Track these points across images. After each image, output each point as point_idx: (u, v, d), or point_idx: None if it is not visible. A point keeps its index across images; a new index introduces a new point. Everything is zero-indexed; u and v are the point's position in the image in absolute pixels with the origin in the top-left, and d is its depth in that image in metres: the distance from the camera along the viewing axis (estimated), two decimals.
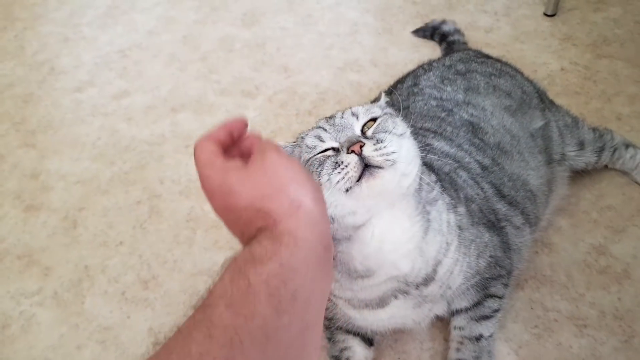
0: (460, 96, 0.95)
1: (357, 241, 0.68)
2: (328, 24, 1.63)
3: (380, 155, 0.61)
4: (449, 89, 0.96)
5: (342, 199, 0.63)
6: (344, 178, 0.61)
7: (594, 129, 1.09)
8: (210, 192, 0.55)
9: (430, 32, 1.46)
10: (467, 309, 0.85)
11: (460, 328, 0.86)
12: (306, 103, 1.37)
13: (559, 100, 1.15)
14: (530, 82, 1.09)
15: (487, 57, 1.11)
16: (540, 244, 1.00)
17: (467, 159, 0.87)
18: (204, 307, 0.45)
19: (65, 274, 1.07)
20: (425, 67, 1.04)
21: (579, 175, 1.09)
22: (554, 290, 0.94)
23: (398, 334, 0.90)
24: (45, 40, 1.69)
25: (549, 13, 1.53)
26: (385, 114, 0.70)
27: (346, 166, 0.61)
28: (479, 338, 0.85)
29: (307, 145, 0.68)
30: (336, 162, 0.62)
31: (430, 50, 1.46)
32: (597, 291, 0.93)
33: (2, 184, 1.26)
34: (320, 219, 0.51)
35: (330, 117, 0.71)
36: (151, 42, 1.63)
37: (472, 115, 0.93)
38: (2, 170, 1.29)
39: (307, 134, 0.71)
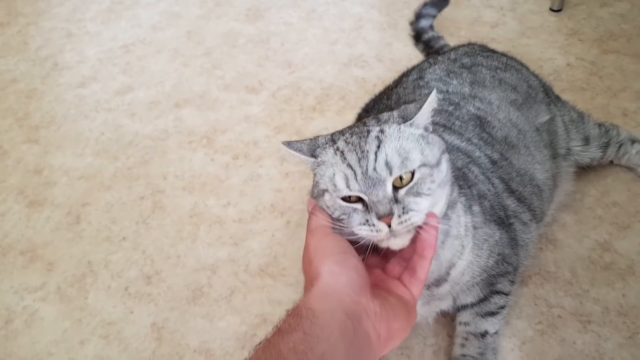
0: (466, 89, 0.95)
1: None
2: (332, 19, 1.62)
3: (405, 228, 0.60)
4: (455, 82, 0.96)
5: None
6: (373, 236, 0.61)
7: (600, 125, 1.08)
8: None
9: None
10: (472, 305, 0.85)
11: (466, 324, 0.86)
12: (310, 98, 1.37)
13: (564, 96, 1.14)
14: (536, 76, 1.08)
15: (493, 51, 1.11)
16: (545, 240, 1.00)
17: (477, 153, 0.87)
18: None
19: (68, 269, 1.07)
20: (431, 61, 1.03)
21: (584, 171, 1.08)
22: (558, 286, 0.94)
23: None
24: (48, 35, 1.69)
25: (555, 8, 1.51)
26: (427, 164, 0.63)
27: (377, 231, 0.60)
28: (484, 334, 0.84)
29: (330, 180, 0.62)
30: (367, 220, 0.61)
31: None
32: (602, 287, 0.93)
33: (6, 179, 1.26)
34: (337, 290, 0.56)
35: (360, 149, 0.62)
36: (155, 38, 1.63)
37: (478, 108, 0.92)
38: (6, 165, 1.29)
39: (328, 153, 0.65)
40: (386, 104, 0.96)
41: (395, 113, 0.66)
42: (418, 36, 1.41)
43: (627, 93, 1.26)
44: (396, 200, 0.60)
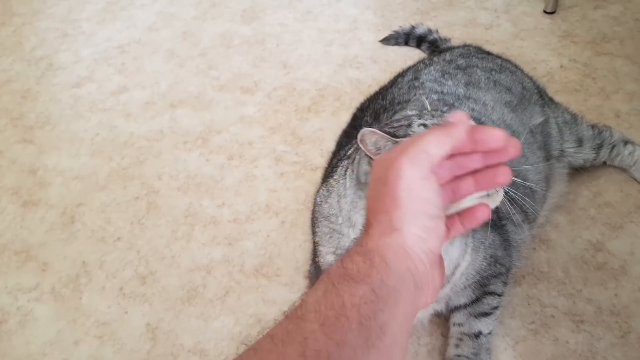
0: (461, 90, 0.95)
1: None
2: (328, 20, 1.63)
3: None
4: (449, 83, 0.96)
5: None
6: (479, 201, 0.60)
7: (593, 126, 1.09)
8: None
9: (404, 38, 1.44)
10: (465, 306, 0.86)
11: (460, 324, 0.86)
12: (305, 99, 1.37)
13: (558, 98, 1.15)
14: (530, 78, 1.09)
15: (488, 53, 1.11)
16: (538, 240, 1.00)
17: None
18: (297, 318, 0.42)
19: (62, 270, 1.07)
20: (426, 62, 1.04)
21: (577, 172, 1.09)
22: (551, 286, 0.94)
23: None
24: (43, 35, 1.68)
25: (548, 10, 1.52)
26: None
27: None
28: (477, 335, 0.85)
29: None
30: None
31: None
32: (594, 287, 0.94)
33: (0, 179, 1.26)
34: (414, 255, 0.45)
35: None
36: (150, 38, 1.63)
37: (473, 109, 0.93)
38: (0, 165, 1.29)
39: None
40: (381, 103, 0.96)
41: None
42: (421, 39, 1.41)
43: (620, 95, 1.27)
44: None
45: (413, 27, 1.44)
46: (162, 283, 1.02)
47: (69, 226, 1.14)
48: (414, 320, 0.48)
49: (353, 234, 0.71)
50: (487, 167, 0.51)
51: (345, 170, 0.72)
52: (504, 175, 0.51)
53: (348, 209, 0.71)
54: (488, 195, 0.56)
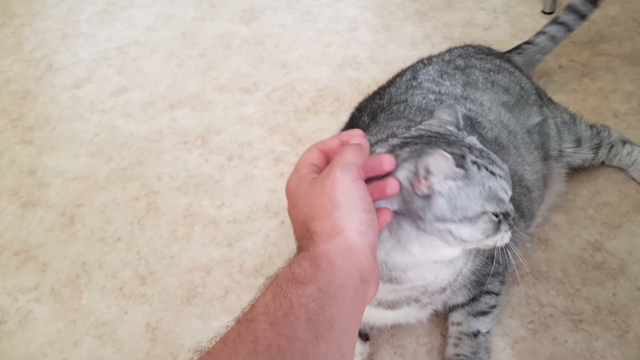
0: (458, 91, 0.95)
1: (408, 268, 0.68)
2: (327, 20, 1.63)
3: None
4: (447, 83, 0.96)
5: None
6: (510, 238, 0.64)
7: (591, 126, 1.09)
8: (287, 195, 0.60)
9: None
10: (463, 305, 0.86)
11: (458, 324, 0.86)
12: (305, 100, 1.38)
13: (556, 98, 1.15)
14: (529, 79, 1.09)
15: (489, 52, 1.11)
16: (537, 240, 1.01)
17: None
18: (247, 321, 0.45)
19: (62, 270, 1.07)
20: (425, 62, 1.04)
21: (575, 172, 1.09)
22: (550, 285, 0.95)
23: (395, 329, 0.90)
24: (43, 36, 1.69)
25: (547, 11, 1.53)
26: None
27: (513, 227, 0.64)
28: (476, 334, 0.85)
29: (491, 196, 0.60)
30: (509, 225, 0.64)
31: (429, 47, 1.46)
32: (593, 287, 0.94)
33: (0, 180, 1.26)
34: (359, 252, 0.51)
35: (490, 158, 0.63)
36: (150, 39, 1.63)
37: (470, 110, 0.93)
38: (0, 166, 1.29)
39: (493, 174, 0.62)
40: (379, 103, 0.96)
41: (457, 130, 0.67)
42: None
43: (618, 95, 1.27)
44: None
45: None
46: (162, 283, 1.03)
47: (69, 227, 1.14)
48: (362, 312, 0.52)
49: None
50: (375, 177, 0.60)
51: None
52: (391, 188, 0.59)
53: None
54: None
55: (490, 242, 0.63)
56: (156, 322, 0.97)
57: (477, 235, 0.61)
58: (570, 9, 1.24)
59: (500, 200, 0.61)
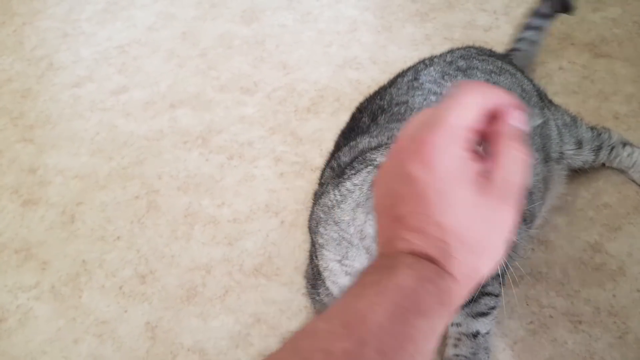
0: None
1: None
2: (327, 21, 1.63)
3: None
4: (449, 84, 0.97)
5: None
6: None
7: (592, 128, 1.10)
8: (426, 164, 0.40)
9: None
10: (463, 306, 0.86)
11: (458, 324, 0.86)
12: (305, 100, 1.38)
13: (557, 99, 1.15)
14: (530, 80, 1.09)
15: (490, 54, 1.11)
16: (537, 241, 1.01)
17: None
18: (358, 339, 0.37)
19: (62, 268, 1.07)
20: (427, 62, 1.04)
21: (575, 173, 1.09)
22: (550, 287, 0.95)
23: None
24: (44, 35, 1.69)
25: None
26: None
27: None
28: (475, 335, 0.85)
29: None
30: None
31: (430, 48, 1.46)
32: (593, 288, 0.94)
33: (0, 178, 1.26)
34: (465, 298, 0.43)
35: None
36: (150, 38, 1.63)
37: None
38: (0, 164, 1.29)
39: None
40: (379, 104, 0.96)
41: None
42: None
43: (619, 96, 1.28)
44: None
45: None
46: (162, 282, 1.03)
47: (69, 225, 1.14)
48: None
49: (362, 245, 0.69)
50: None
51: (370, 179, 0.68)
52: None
53: (363, 220, 0.68)
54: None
55: None
56: (156, 321, 0.97)
57: None
58: (536, 13, 1.27)
59: None
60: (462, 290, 0.42)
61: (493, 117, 0.43)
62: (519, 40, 1.26)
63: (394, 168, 0.44)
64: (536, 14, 1.25)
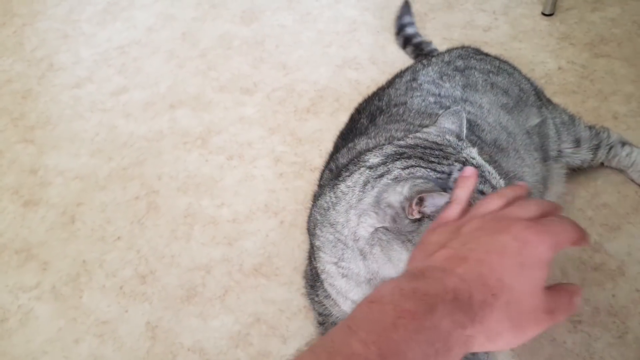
0: (458, 93, 0.96)
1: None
2: (327, 21, 1.63)
3: None
4: (447, 85, 0.97)
5: None
6: None
7: (591, 127, 1.10)
8: (523, 242, 0.47)
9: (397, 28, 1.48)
10: None
11: None
12: (304, 100, 1.38)
13: (556, 99, 1.15)
14: (528, 80, 1.09)
15: (486, 55, 1.12)
16: None
17: None
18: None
19: (63, 269, 1.07)
20: (424, 63, 1.04)
21: (574, 173, 1.09)
22: None
23: None
24: (44, 36, 1.69)
25: (546, 12, 1.53)
26: None
27: None
28: None
29: None
30: None
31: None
32: (592, 288, 0.94)
33: (1, 179, 1.26)
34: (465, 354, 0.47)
35: (492, 179, 0.64)
36: (150, 39, 1.64)
37: (469, 112, 0.94)
38: (1, 165, 1.30)
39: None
40: (377, 105, 0.96)
41: (457, 140, 0.66)
42: (407, 41, 1.43)
43: (618, 96, 1.28)
44: None
45: (404, 25, 1.45)
46: (162, 282, 1.03)
47: (69, 225, 1.15)
48: None
49: (356, 247, 0.69)
50: None
51: (366, 183, 0.68)
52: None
53: (356, 222, 0.68)
54: None
55: None
56: (156, 321, 0.97)
57: None
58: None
59: None
60: (474, 347, 0.45)
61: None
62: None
63: (480, 221, 0.50)
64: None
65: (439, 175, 0.60)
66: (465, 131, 0.67)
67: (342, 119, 1.08)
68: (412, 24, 1.47)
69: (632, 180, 1.09)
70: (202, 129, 1.33)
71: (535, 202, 0.53)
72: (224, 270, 1.04)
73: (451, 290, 0.44)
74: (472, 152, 0.65)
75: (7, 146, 1.34)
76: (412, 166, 0.62)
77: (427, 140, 0.66)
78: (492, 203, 0.53)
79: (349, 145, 0.84)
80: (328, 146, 1.08)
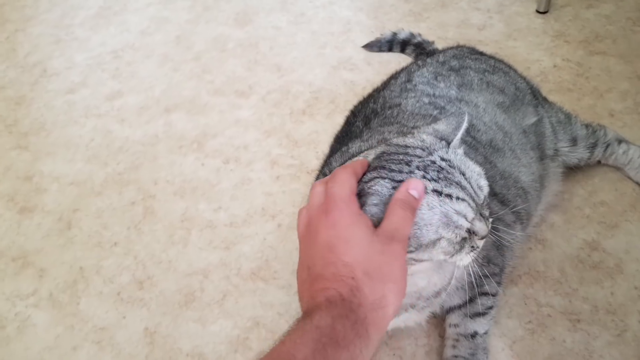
0: (453, 92, 0.95)
1: None
2: (321, 22, 1.63)
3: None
4: (442, 85, 0.96)
5: None
6: (473, 258, 0.62)
7: (587, 125, 1.10)
8: (332, 223, 0.54)
9: (387, 45, 1.45)
10: (460, 306, 0.86)
11: (455, 325, 0.86)
12: (300, 102, 1.38)
13: (551, 97, 1.15)
14: (524, 78, 1.09)
15: (481, 53, 1.12)
16: (534, 240, 1.01)
17: None
18: None
19: (60, 275, 1.06)
20: (419, 63, 1.04)
21: (571, 171, 1.09)
22: (548, 285, 0.95)
23: (393, 331, 0.90)
24: (36, 41, 1.68)
25: (541, 10, 1.53)
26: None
27: (477, 249, 0.62)
28: (474, 335, 0.85)
29: (453, 222, 0.58)
30: (472, 247, 0.61)
31: None
32: (590, 286, 0.94)
33: None
34: (385, 328, 0.53)
35: (465, 182, 0.61)
36: (144, 43, 1.63)
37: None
38: None
39: (449, 196, 0.58)
40: (372, 107, 0.96)
41: (435, 141, 0.63)
42: (404, 44, 1.42)
43: (614, 94, 1.28)
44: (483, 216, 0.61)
45: (395, 33, 1.45)
46: (160, 287, 1.02)
47: (66, 232, 1.14)
48: None
49: None
50: None
51: None
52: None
53: None
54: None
55: (454, 261, 0.62)
56: (154, 327, 0.97)
57: (438, 256, 0.60)
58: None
59: (457, 226, 0.58)
60: (378, 319, 0.50)
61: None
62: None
63: (307, 241, 0.56)
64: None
65: (395, 185, 0.58)
66: (460, 134, 0.64)
67: (338, 120, 1.08)
68: (398, 32, 1.45)
69: (629, 178, 1.09)
70: (198, 133, 1.33)
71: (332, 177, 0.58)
72: (222, 274, 1.03)
73: (324, 300, 0.49)
74: (447, 153, 0.61)
75: (2, 153, 1.34)
76: (374, 178, 0.60)
77: (398, 144, 0.63)
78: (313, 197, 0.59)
79: (343, 149, 0.84)
80: (324, 148, 1.08)
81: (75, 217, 1.17)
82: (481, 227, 0.60)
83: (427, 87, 0.96)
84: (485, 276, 0.83)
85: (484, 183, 0.62)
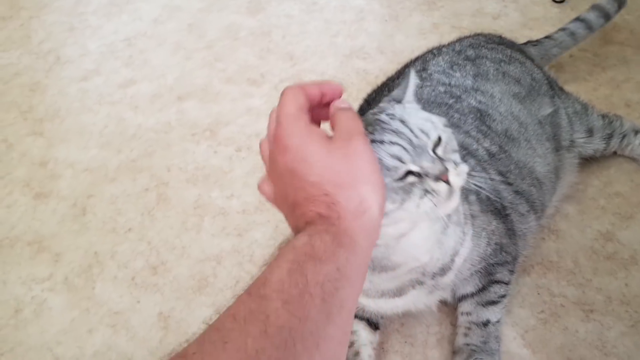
0: (469, 82, 0.95)
1: (387, 244, 0.68)
2: (334, 11, 1.62)
3: (461, 180, 0.61)
4: (458, 74, 0.96)
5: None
6: (434, 205, 0.60)
7: (603, 116, 1.08)
8: (283, 147, 0.51)
9: None
10: (472, 294, 0.86)
11: (468, 313, 0.86)
12: None
13: (567, 87, 1.14)
14: (540, 69, 1.08)
15: (499, 42, 1.10)
16: (548, 230, 1.01)
17: (474, 146, 0.87)
18: (259, 297, 0.42)
19: (75, 260, 1.08)
20: (435, 52, 1.03)
21: (587, 162, 1.08)
22: (561, 276, 0.94)
23: (404, 318, 0.90)
24: (50, 29, 1.69)
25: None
26: (445, 125, 0.64)
27: (438, 194, 0.60)
28: (486, 323, 0.85)
29: (385, 166, 0.59)
30: (426, 190, 0.60)
31: (438, 37, 1.45)
32: (604, 277, 0.94)
33: (12, 171, 1.27)
34: (377, 230, 0.50)
35: (403, 128, 0.61)
36: (156, 31, 1.63)
37: (480, 102, 0.93)
38: (11, 158, 1.30)
39: (381, 142, 0.60)
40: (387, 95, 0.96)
41: (386, 103, 0.65)
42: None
43: (630, 84, 1.26)
44: (441, 159, 0.60)
45: None
46: (173, 273, 1.03)
47: (80, 217, 1.15)
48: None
49: None
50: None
51: None
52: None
53: None
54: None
55: (412, 210, 0.60)
56: (168, 311, 0.98)
57: (390, 206, 0.59)
58: (596, 7, 1.23)
59: (389, 169, 0.58)
60: (365, 224, 0.47)
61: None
62: (561, 29, 1.24)
63: (273, 173, 0.54)
64: (596, 8, 1.23)
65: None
66: (409, 91, 0.65)
67: None
68: None
69: None
70: (210, 121, 1.33)
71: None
72: (235, 261, 1.04)
73: (304, 224, 0.48)
74: (393, 109, 0.63)
75: (17, 139, 1.35)
76: None
77: (371, 113, 0.66)
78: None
79: None
80: None
81: (90, 203, 1.18)
82: (429, 166, 0.59)
83: (443, 77, 0.95)
84: (498, 264, 0.83)
85: (429, 127, 0.61)
